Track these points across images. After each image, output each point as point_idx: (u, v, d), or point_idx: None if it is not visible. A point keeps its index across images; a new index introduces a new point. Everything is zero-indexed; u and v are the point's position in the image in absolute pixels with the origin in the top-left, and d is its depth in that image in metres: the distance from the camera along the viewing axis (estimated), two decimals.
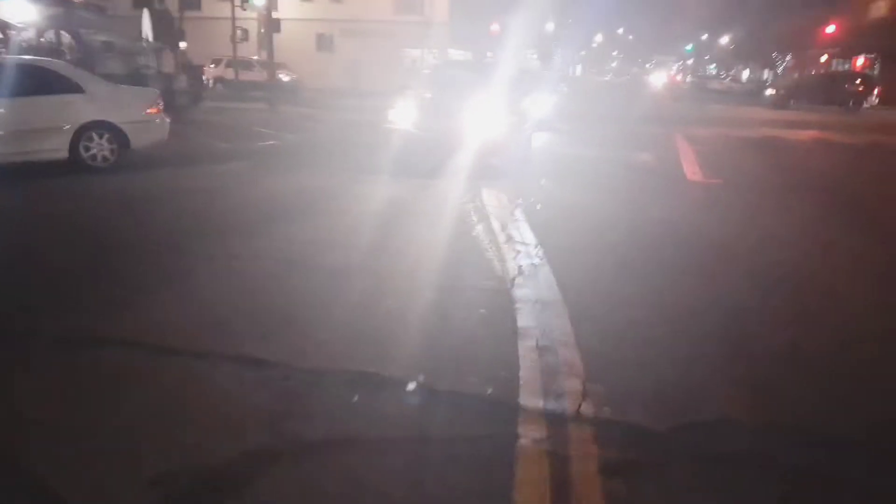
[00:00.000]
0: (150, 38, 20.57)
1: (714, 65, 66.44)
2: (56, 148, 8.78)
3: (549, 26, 54.28)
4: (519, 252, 5.68)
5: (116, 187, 8.18)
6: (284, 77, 28.99)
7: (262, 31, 20.40)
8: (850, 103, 29.66)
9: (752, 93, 40.24)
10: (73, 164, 8.88)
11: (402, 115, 10.43)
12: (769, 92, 33.74)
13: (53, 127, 8.73)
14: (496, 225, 6.64)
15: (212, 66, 29.49)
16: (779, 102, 30.34)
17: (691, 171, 10.95)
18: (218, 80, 29.07)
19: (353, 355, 3.56)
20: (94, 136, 9.08)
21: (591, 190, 9.12)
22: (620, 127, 18.51)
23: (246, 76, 28.44)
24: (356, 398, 3.11)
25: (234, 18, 24.44)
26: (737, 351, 3.85)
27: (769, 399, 3.29)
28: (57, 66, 9.65)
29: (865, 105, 30.44)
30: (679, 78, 56.61)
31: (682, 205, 8.23)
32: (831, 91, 30.75)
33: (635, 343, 3.87)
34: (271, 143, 13.08)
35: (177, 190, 8.13)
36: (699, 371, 3.56)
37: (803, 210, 8.06)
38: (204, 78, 28.80)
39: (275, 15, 28.14)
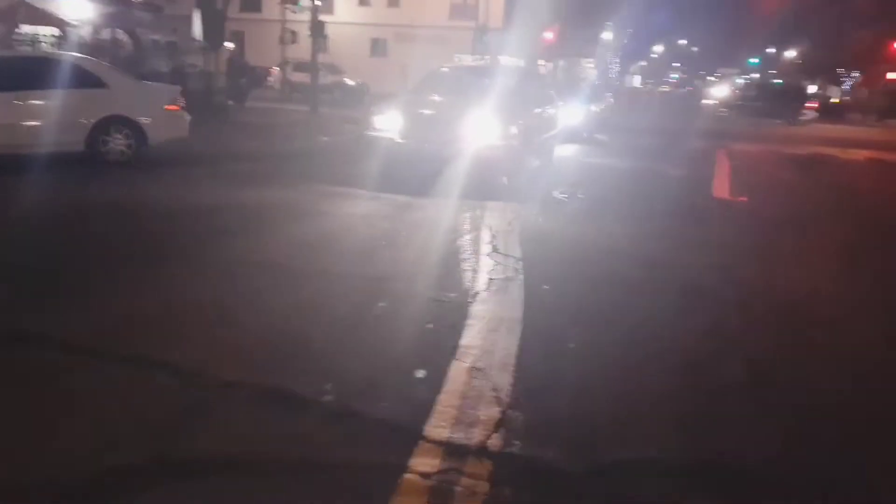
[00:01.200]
0: (200, 38, 21.04)
1: (781, 80, 64.26)
2: (74, 141, 8.95)
3: (607, 35, 53.45)
4: (497, 265, 5.44)
5: (112, 181, 8.28)
6: (349, 81, 29.25)
7: (309, 34, 20.51)
8: None
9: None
10: (89, 158, 9.04)
11: (389, 122, 9.04)
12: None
13: (72, 120, 8.90)
14: (485, 236, 6.40)
15: (276, 68, 29.73)
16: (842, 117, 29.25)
17: (720, 187, 10.47)
18: (284, 82, 29.30)
19: (275, 367, 3.40)
20: (112, 130, 9.23)
21: (605, 202, 8.80)
22: (666, 140, 17.99)
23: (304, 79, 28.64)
24: (253, 415, 2.95)
25: (283, 20, 24.76)
26: (693, 386, 3.52)
27: (710, 440, 2.97)
28: (82, 61, 9.89)
29: None
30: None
31: (691, 222, 7.81)
32: None
33: (583, 370, 3.59)
34: (295, 146, 13.10)
35: (163, 191, 8.17)
36: (644, 405, 3.26)
37: (826, 235, 7.53)
38: (270, 79, 29.33)
39: (330, 19, 28.58)
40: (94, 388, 3.13)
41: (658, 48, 78.23)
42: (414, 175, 8.44)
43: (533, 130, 9.64)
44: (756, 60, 69.03)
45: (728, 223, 7.95)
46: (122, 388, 3.13)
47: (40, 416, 2.86)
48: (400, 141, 8.66)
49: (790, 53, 56.94)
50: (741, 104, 32.91)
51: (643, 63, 71.82)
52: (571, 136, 14.54)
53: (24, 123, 8.63)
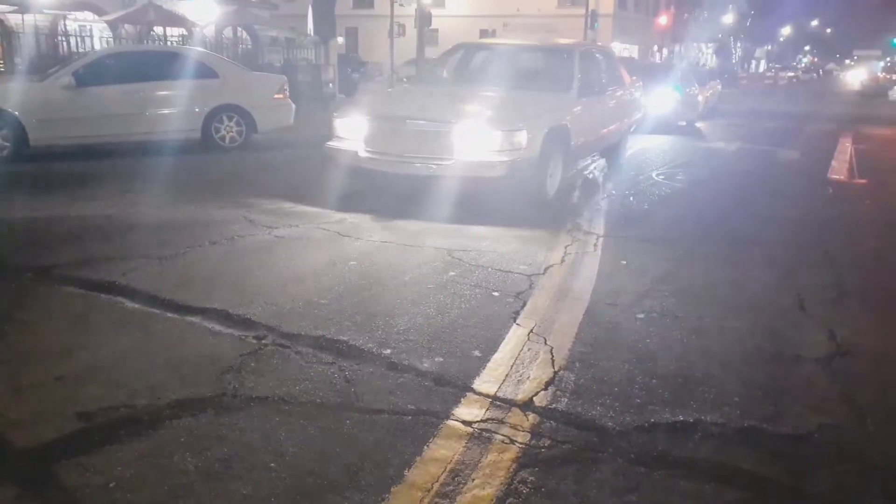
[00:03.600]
0: (312, 34, 21.95)
1: None
2: (191, 128, 9.63)
3: (728, 18, 50.79)
4: (575, 241, 5.38)
5: (233, 160, 8.83)
6: None
7: (415, 26, 20.91)
8: None
9: None
10: (204, 145, 9.71)
11: (352, 128, 6.49)
12: None
13: (189, 109, 9.57)
14: (569, 213, 6.33)
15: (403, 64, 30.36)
16: None
17: (838, 170, 9.77)
18: (391, 75, 30.00)
19: (340, 323, 3.55)
20: (225, 118, 9.85)
21: (704, 183, 8.44)
22: (785, 124, 16.98)
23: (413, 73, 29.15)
24: (312, 363, 3.10)
25: (392, 15, 25.32)
26: (766, 358, 3.36)
27: (770, 408, 2.83)
28: (196, 53, 10.58)
29: None
30: (883, 76, 50.45)
31: (794, 202, 7.35)
32: None
33: (647, 339, 3.50)
34: None
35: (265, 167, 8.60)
36: (706, 373, 3.14)
37: None
38: (380, 74, 30.10)
39: (440, 12, 28.97)
40: (171, 334, 3.40)
41: (786, 30, 73.38)
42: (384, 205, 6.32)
43: (572, 130, 6.84)
44: None
45: (836, 204, 7.42)
46: (194, 336, 3.38)
47: (122, 354, 3.15)
48: (364, 155, 6.30)
49: None
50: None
51: (768, 47, 67.64)
52: (664, 125, 13.42)
53: (148, 112, 9.37)
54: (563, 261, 4.83)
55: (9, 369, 2.99)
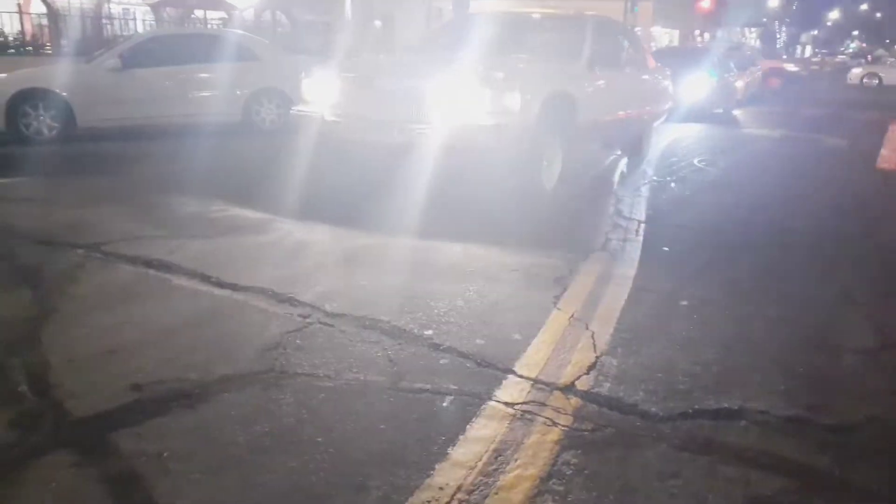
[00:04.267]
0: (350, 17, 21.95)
1: None
2: (232, 111, 9.77)
3: (773, 2, 49.46)
4: (617, 227, 5.34)
5: (261, 146, 8.93)
6: None
7: (453, 10, 20.78)
8: None
9: None
10: (246, 127, 9.84)
11: (319, 91, 5.86)
12: None
13: (231, 92, 9.70)
14: (611, 199, 6.28)
15: None
16: None
17: (888, 158, 9.50)
18: None
19: (383, 305, 3.58)
20: (265, 101, 9.97)
21: (747, 170, 8.30)
22: (831, 111, 16.56)
23: None
24: (356, 342, 3.14)
25: None
26: (811, 347, 3.31)
27: (816, 397, 2.79)
28: (238, 36, 10.71)
29: None
30: None
31: (839, 190, 7.18)
32: None
33: (691, 325, 3.47)
34: None
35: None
36: (751, 361, 3.10)
37: None
38: None
39: None
40: (218, 310, 3.47)
41: (833, 14, 71.20)
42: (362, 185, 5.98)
43: (579, 102, 5.99)
44: None
45: (886, 194, 7.22)
46: (240, 313, 3.45)
47: (171, 329, 3.23)
48: (330, 119, 5.59)
49: None
50: None
51: (815, 32, 65.70)
52: (697, 113, 12.95)
53: (190, 95, 9.51)
54: (604, 246, 4.80)
55: (63, 342, 3.09)
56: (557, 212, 5.74)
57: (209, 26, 19.19)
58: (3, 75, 9.16)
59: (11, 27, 16.08)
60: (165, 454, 2.26)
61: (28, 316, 3.35)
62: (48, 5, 18.77)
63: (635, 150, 8.35)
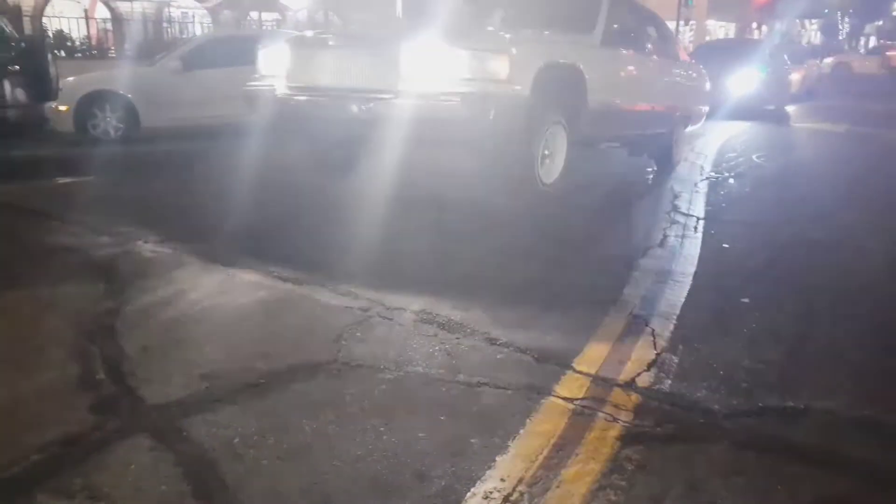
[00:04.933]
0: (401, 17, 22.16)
1: None
2: None
3: None
4: (674, 223, 5.27)
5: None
6: None
7: None
8: None
9: None
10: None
11: (275, 61, 5.12)
12: None
13: None
14: (667, 195, 6.19)
15: None
16: None
17: None
18: None
19: (444, 299, 3.61)
20: None
21: (809, 166, 8.06)
22: None
23: None
24: (415, 335, 3.19)
25: None
26: (879, 347, 3.22)
27: (888, 399, 2.72)
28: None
29: None
30: None
31: None
32: None
33: (754, 323, 3.42)
34: None
35: None
36: (818, 360, 3.04)
37: None
38: None
39: None
40: (281, 303, 3.57)
41: None
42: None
43: (589, 79, 5.03)
44: None
45: None
46: (303, 305, 3.53)
47: (236, 321, 3.34)
48: (282, 93, 4.85)
49: None
50: None
51: (879, 22, 63.13)
52: (746, 110, 12.24)
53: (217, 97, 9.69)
54: (662, 243, 4.75)
55: (136, 332, 3.22)
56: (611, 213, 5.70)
57: (264, 27, 19.60)
58: (72, 79, 9.54)
59: (78, 32, 16.75)
60: (236, 440, 2.35)
61: (104, 307, 3.50)
62: (112, 10, 19.49)
63: (664, 156, 7.20)
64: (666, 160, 7.17)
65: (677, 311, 3.54)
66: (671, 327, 3.34)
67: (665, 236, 4.90)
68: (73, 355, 2.94)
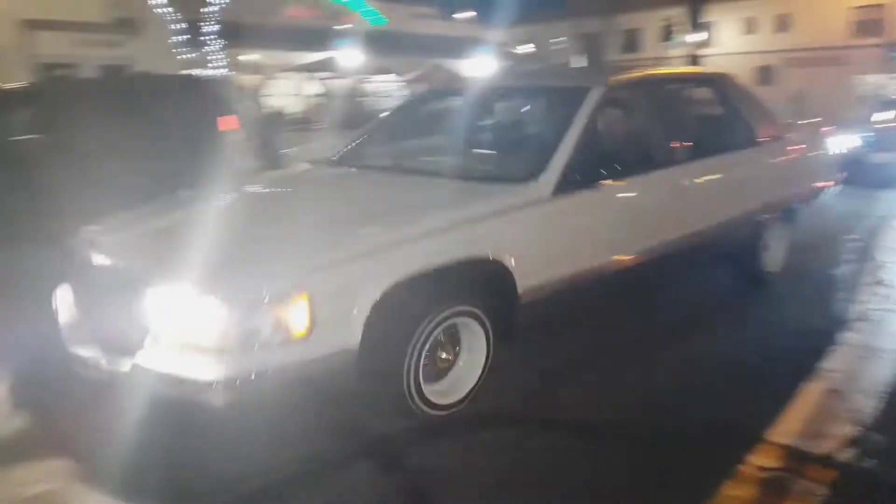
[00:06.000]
0: None
1: None
2: None
3: None
4: (877, 295, 4.99)
5: None
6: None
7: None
8: None
9: None
10: None
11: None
12: None
13: None
14: (870, 266, 5.85)
15: None
16: None
17: None
18: None
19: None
20: None
21: None
22: None
23: None
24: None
25: (662, 57, 25.11)
26: None
27: None
28: None
29: None
30: None
31: None
32: None
33: None
34: None
35: None
36: None
37: None
38: None
39: (712, 51, 27.86)
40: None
41: None
42: None
43: (517, 270, 3.10)
44: None
45: None
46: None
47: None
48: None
49: None
50: None
51: None
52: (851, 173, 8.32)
53: None
54: (865, 317, 4.54)
55: None
56: None
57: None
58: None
59: (295, 107, 19.21)
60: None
61: None
62: (323, 86, 22.10)
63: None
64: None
65: (880, 388, 3.40)
66: (873, 403, 3.23)
67: (868, 309, 4.66)
68: None
